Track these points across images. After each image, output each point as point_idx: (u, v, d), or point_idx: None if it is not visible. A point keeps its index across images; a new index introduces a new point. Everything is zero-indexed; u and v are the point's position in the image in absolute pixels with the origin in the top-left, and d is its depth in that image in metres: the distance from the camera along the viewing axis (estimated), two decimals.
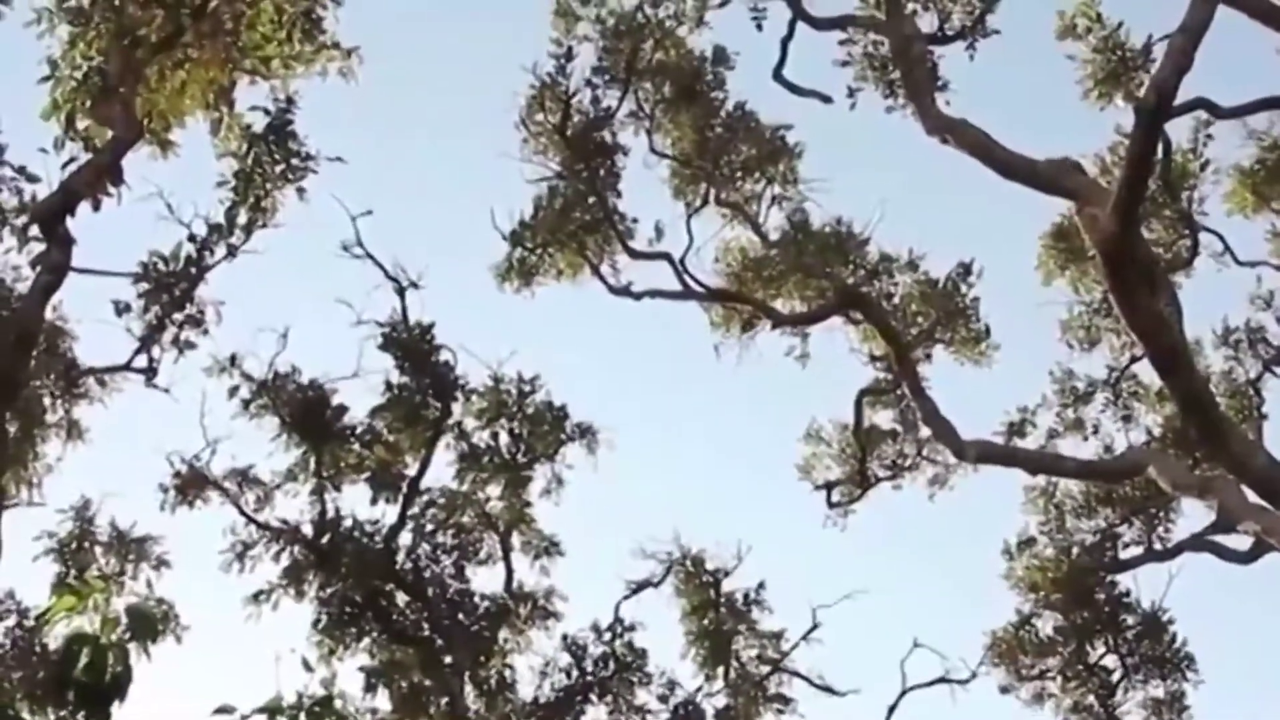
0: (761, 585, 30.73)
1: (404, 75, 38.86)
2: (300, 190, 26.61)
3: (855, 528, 31.59)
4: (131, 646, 10.37)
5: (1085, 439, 31.33)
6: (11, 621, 28.18)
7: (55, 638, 10.43)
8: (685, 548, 30.78)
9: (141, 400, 27.98)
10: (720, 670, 29.89)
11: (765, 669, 30.35)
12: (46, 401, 27.86)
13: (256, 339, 28.78)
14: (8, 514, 20.30)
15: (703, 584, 30.52)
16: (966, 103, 24.30)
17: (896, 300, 30.10)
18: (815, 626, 30.49)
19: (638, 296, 29.67)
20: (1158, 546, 30.97)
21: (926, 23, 25.98)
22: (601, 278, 29.88)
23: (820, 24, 26.59)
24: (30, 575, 28.91)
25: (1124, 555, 31.26)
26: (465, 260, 35.24)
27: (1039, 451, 29.88)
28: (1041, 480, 30.78)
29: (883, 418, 31.52)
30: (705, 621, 30.25)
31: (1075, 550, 31.04)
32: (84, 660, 9.87)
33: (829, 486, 31.68)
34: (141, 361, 27.59)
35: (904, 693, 30.61)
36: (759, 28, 26.65)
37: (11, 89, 26.72)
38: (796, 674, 30.52)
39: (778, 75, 27.09)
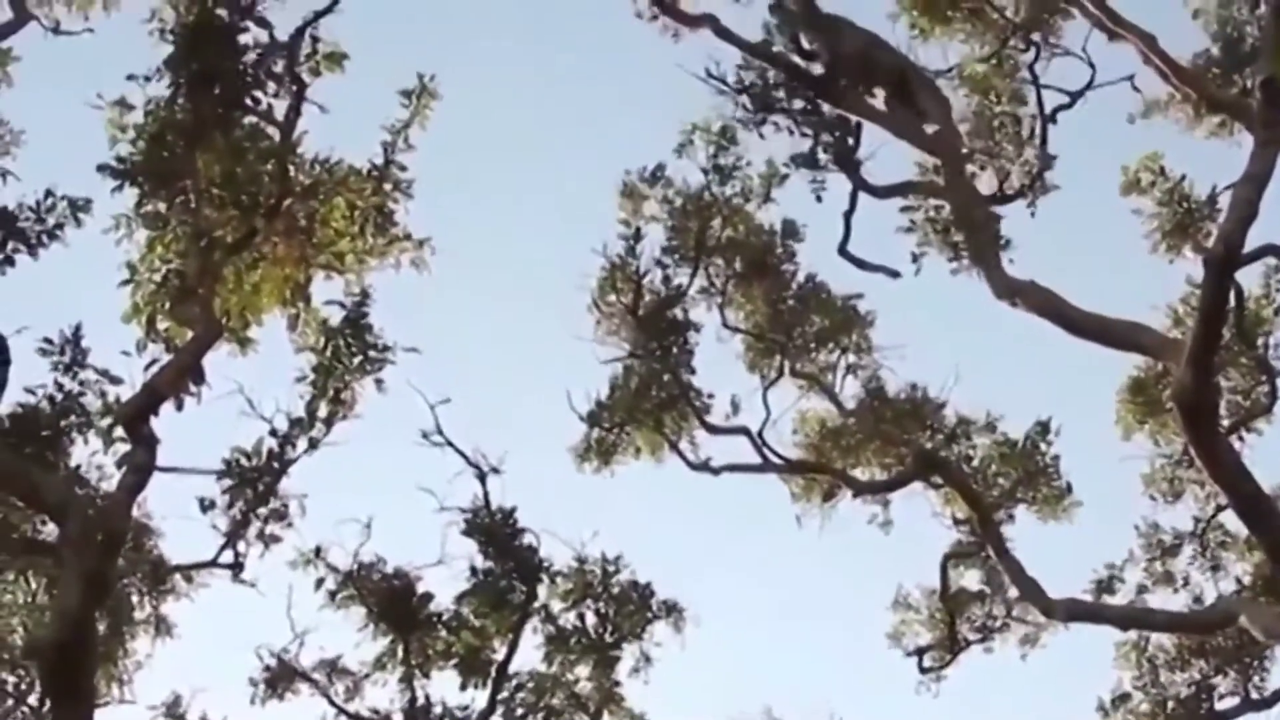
0: None
1: (476, 260, 39.42)
2: (379, 381, 27.01)
3: (948, 692, 31.24)
4: None
5: (1175, 591, 31.05)
6: None
7: None
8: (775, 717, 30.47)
9: (228, 595, 28.20)
10: None
11: None
12: (135, 599, 28.01)
13: (340, 530, 28.97)
14: (100, 713, 20.43)
15: None
16: (1033, 260, 24.45)
17: (976, 463, 30.07)
18: None
19: (717, 471, 29.84)
20: (1255, 695, 30.46)
21: (985, 184, 26.22)
22: (680, 454, 30.08)
23: (880, 192, 26.80)
24: None
25: (1220, 706, 30.76)
26: (544, 442, 35.37)
27: (1128, 607, 29.57)
28: (1133, 635, 30.36)
29: (970, 579, 31.30)
30: None
31: (1170, 704, 30.55)
32: None
33: (920, 652, 31.38)
34: (227, 557, 27.84)
35: None
36: (819, 199, 26.94)
37: (93, 294, 27.33)
38: None
39: (843, 251, 27.22)
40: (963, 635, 31.21)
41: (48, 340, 23.92)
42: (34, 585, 26.22)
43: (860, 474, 30.36)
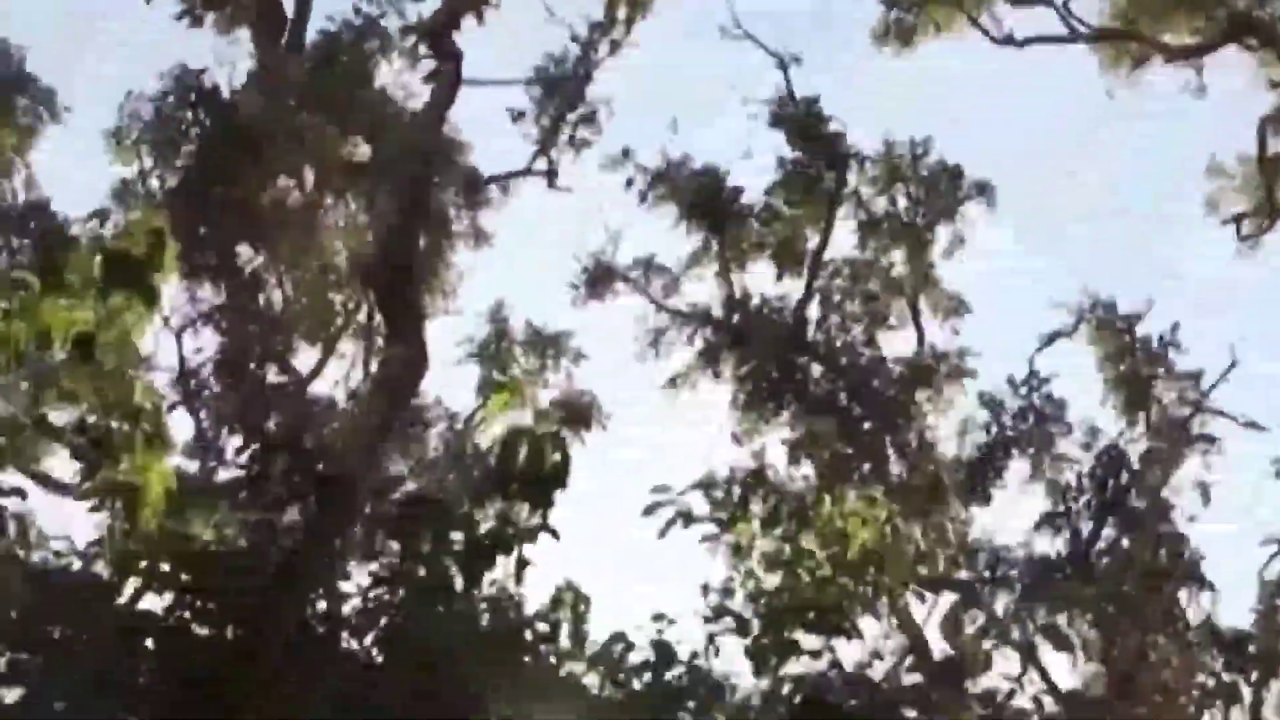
0: (1176, 327, 29.94)
1: None
2: None
3: (1266, 261, 30.45)
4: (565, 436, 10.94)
5: None
6: (442, 426, 29.61)
7: (490, 436, 11.04)
8: (1096, 295, 30.18)
9: (542, 203, 28.84)
10: (1141, 415, 29.40)
11: (1187, 410, 29.67)
12: (451, 213, 28.80)
13: (647, 131, 29.22)
14: (427, 324, 21.21)
15: (1116, 330, 29.91)
16: None
17: None
18: (1234, 364, 29.63)
19: (1021, 44, 28.94)
20: None
21: None
22: (982, 29, 29.22)
23: None
24: (454, 381, 30.21)
25: None
26: (842, 32, 34.76)
27: None
28: None
29: None
30: (1121, 367, 29.70)
31: None
32: (523, 452, 10.43)
33: (1237, 219, 30.50)
34: (540, 165, 28.41)
35: None
36: None
37: None
38: (1220, 413, 29.76)
39: None
40: None
41: None
42: (354, 207, 27.04)
43: (1170, 39, 29.10)
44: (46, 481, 22.30)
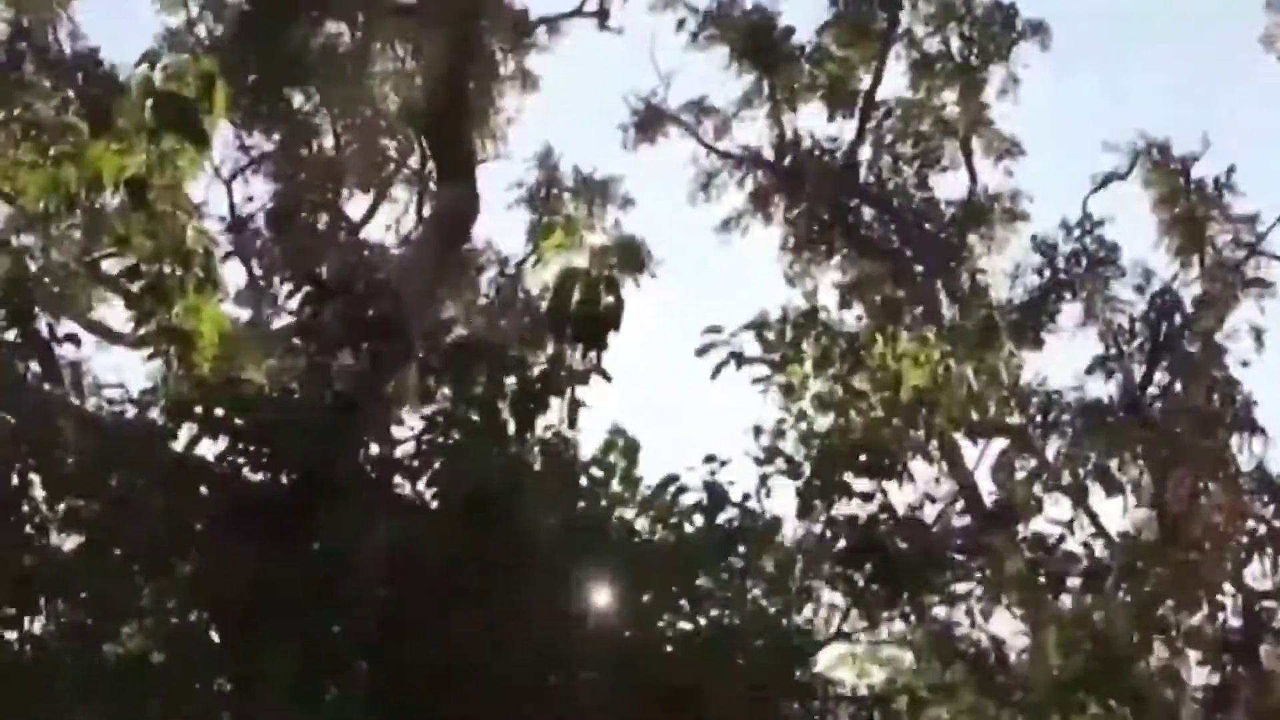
0: (1231, 169, 29.55)
1: None
2: None
3: None
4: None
5: None
6: (494, 271, 29.68)
7: (540, 281, 11.04)
8: (1150, 137, 29.80)
9: (591, 46, 28.59)
10: (1195, 258, 29.17)
11: (1241, 253, 29.41)
12: (500, 56, 28.57)
13: None
14: (478, 169, 21.13)
15: (1171, 172, 29.57)
16: None
17: None
18: None
19: None
20: None
21: None
22: None
23: None
24: (505, 225, 30.20)
25: None
26: None
27: None
28: None
29: None
30: (1176, 210, 29.41)
31: None
32: (576, 294, 10.43)
33: None
34: (591, 5, 28.12)
35: None
36: None
37: None
38: (1275, 256, 29.45)
39: None
40: None
41: None
42: (403, 51, 26.85)
43: None
44: (100, 330, 22.51)
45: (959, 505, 13.09)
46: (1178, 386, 26.78)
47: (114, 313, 23.25)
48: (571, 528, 9.94)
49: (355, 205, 28.66)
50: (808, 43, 29.34)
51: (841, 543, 11.56)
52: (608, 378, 10.39)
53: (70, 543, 9.57)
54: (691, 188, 29.48)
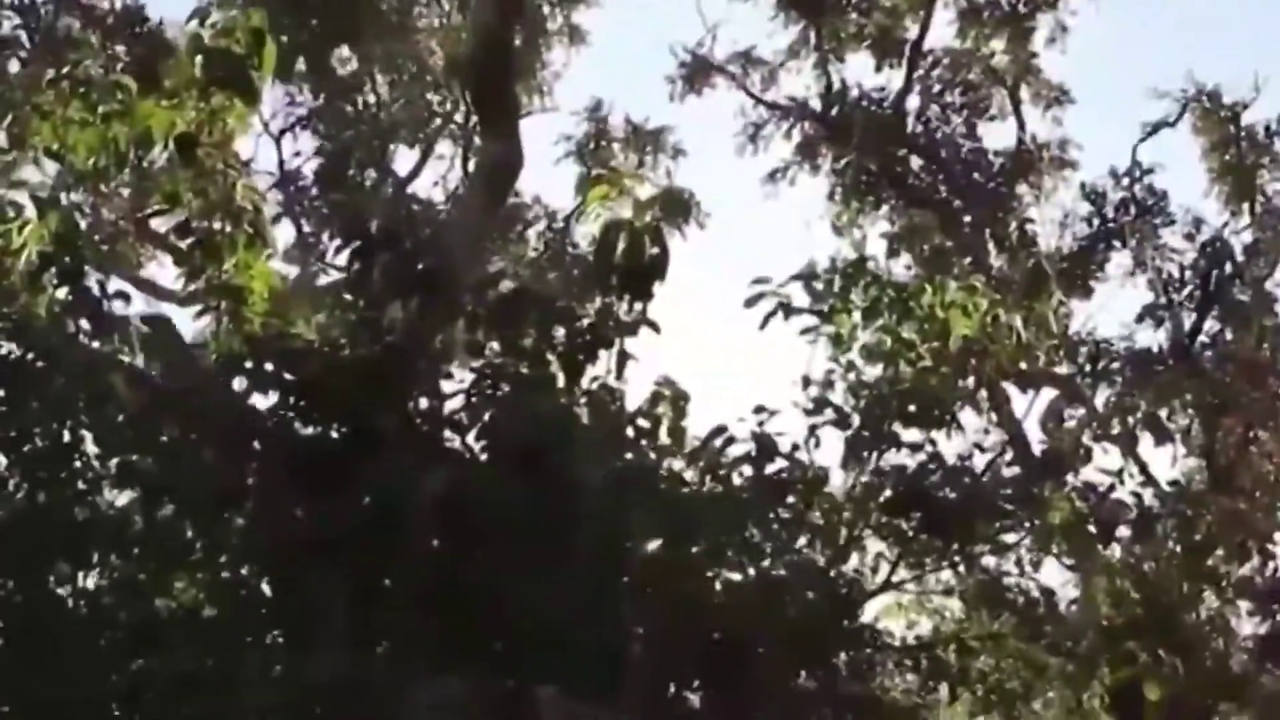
0: None
1: None
2: None
3: None
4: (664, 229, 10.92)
5: None
6: (541, 225, 29.71)
7: (587, 234, 11.07)
8: (1200, 83, 29.43)
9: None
10: (1245, 206, 28.90)
11: None
12: (546, 9, 28.54)
13: None
14: (525, 122, 21.15)
15: (1221, 119, 29.26)
16: None
17: None
18: None
19: None
20: None
21: None
22: None
23: None
24: (553, 179, 30.17)
25: None
26: None
27: None
28: None
29: None
30: (1226, 157, 29.12)
31: None
32: (622, 246, 10.45)
33: None
34: None
35: None
36: None
37: None
38: None
39: None
40: None
41: None
42: (449, 6, 26.78)
43: None
44: (149, 287, 22.63)
45: (1008, 455, 13.04)
46: (1228, 335, 26.63)
47: (164, 270, 23.40)
48: (620, 479, 9.98)
49: (402, 160, 28.82)
50: None
51: (889, 493, 11.56)
52: (656, 329, 10.41)
53: (123, 498, 9.67)
54: (739, 139, 29.40)
